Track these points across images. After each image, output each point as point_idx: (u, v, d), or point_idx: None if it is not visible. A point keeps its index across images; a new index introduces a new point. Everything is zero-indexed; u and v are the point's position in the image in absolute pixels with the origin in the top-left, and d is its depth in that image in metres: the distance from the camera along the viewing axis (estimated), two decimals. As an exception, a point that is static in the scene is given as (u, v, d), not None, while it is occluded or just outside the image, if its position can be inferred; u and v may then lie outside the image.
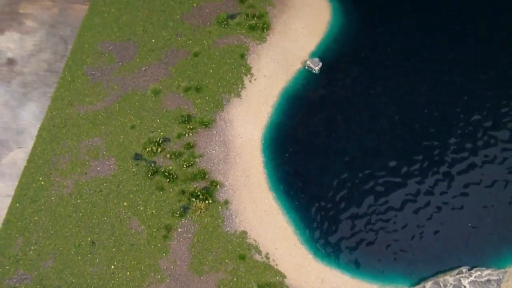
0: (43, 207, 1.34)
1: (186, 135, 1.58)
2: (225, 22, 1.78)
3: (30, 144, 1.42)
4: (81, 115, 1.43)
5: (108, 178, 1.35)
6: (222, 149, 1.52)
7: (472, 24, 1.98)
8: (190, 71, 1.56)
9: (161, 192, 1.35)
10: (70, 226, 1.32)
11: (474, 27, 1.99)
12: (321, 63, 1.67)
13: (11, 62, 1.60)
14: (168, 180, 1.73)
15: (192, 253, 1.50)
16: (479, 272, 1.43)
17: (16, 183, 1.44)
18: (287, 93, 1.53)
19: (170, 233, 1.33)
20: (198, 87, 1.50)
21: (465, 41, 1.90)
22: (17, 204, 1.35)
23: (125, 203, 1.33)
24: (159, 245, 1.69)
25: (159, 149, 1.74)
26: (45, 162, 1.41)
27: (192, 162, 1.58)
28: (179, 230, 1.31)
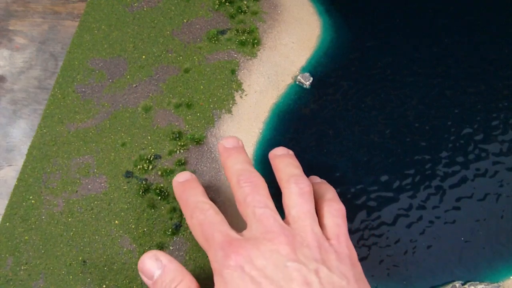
0: (33, 226, 1.27)
1: (177, 152, 1.54)
2: (215, 38, 1.75)
3: (20, 162, 1.36)
4: (71, 133, 1.37)
5: (99, 196, 1.28)
6: (214, 165, 1.47)
7: (461, 38, 1.96)
8: (181, 87, 1.51)
9: (153, 210, 1.29)
10: (61, 245, 1.25)
11: (463, 40, 1.97)
12: (311, 78, 1.63)
13: (1, 79, 1.56)
14: (159, 197, 1.67)
15: (184, 270, 1.48)
16: (473, 287, 1.37)
17: (6, 201, 1.38)
18: (278, 108, 1.48)
19: (161, 251, 1.31)
20: (189, 103, 1.46)
21: (455, 54, 1.87)
22: (7, 223, 1.28)
23: (116, 221, 1.26)
24: (151, 262, 1.67)
25: (150, 166, 1.68)
26: (35, 181, 1.35)
27: (183, 179, 1.57)
28: (171, 248, 1.24)
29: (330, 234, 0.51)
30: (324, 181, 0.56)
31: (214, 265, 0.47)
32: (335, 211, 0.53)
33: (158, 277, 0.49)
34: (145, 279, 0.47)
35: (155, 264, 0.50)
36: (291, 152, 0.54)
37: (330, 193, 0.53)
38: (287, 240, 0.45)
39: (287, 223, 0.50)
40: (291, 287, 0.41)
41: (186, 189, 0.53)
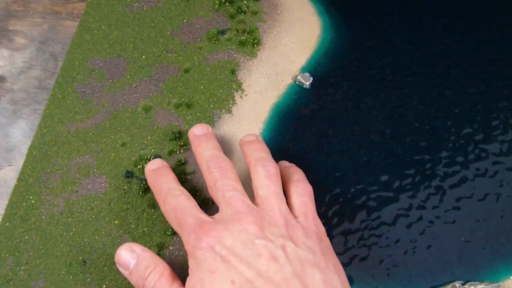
0: (33, 226, 1.25)
1: (177, 152, 1.51)
2: (215, 38, 1.71)
3: (20, 162, 1.34)
4: (71, 133, 1.34)
5: (99, 196, 1.25)
6: (214, 165, 1.47)
7: (461, 38, 1.93)
8: (181, 87, 1.48)
9: (153, 210, 1.27)
10: (61, 245, 1.23)
11: (463, 40, 1.94)
12: (311, 78, 1.59)
13: (1, 79, 1.52)
14: (159, 197, 1.69)
15: (184, 270, 1.43)
16: (473, 287, 1.35)
17: (6, 201, 1.36)
18: (278, 108, 1.45)
19: (162, 251, 1.25)
20: (189, 103, 1.43)
21: (455, 54, 1.83)
22: (7, 224, 1.26)
23: (116, 221, 1.24)
24: (151, 262, 1.64)
25: (151, 166, 1.70)
26: (35, 181, 1.32)
27: (183, 179, 1.51)
28: (171, 248, 1.22)
29: (297, 212, 0.53)
30: (293, 164, 0.58)
31: (188, 248, 0.49)
32: (301, 191, 0.55)
33: (134, 267, 0.52)
34: (122, 271, 0.49)
35: (130, 255, 0.52)
36: (260, 138, 0.57)
37: (297, 175, 0.58)
38: (254, 219, 0.47)
39: (256, 204, 0.52)
40: (259, 262, 0.43)
41: (158, 176, 0.54)
